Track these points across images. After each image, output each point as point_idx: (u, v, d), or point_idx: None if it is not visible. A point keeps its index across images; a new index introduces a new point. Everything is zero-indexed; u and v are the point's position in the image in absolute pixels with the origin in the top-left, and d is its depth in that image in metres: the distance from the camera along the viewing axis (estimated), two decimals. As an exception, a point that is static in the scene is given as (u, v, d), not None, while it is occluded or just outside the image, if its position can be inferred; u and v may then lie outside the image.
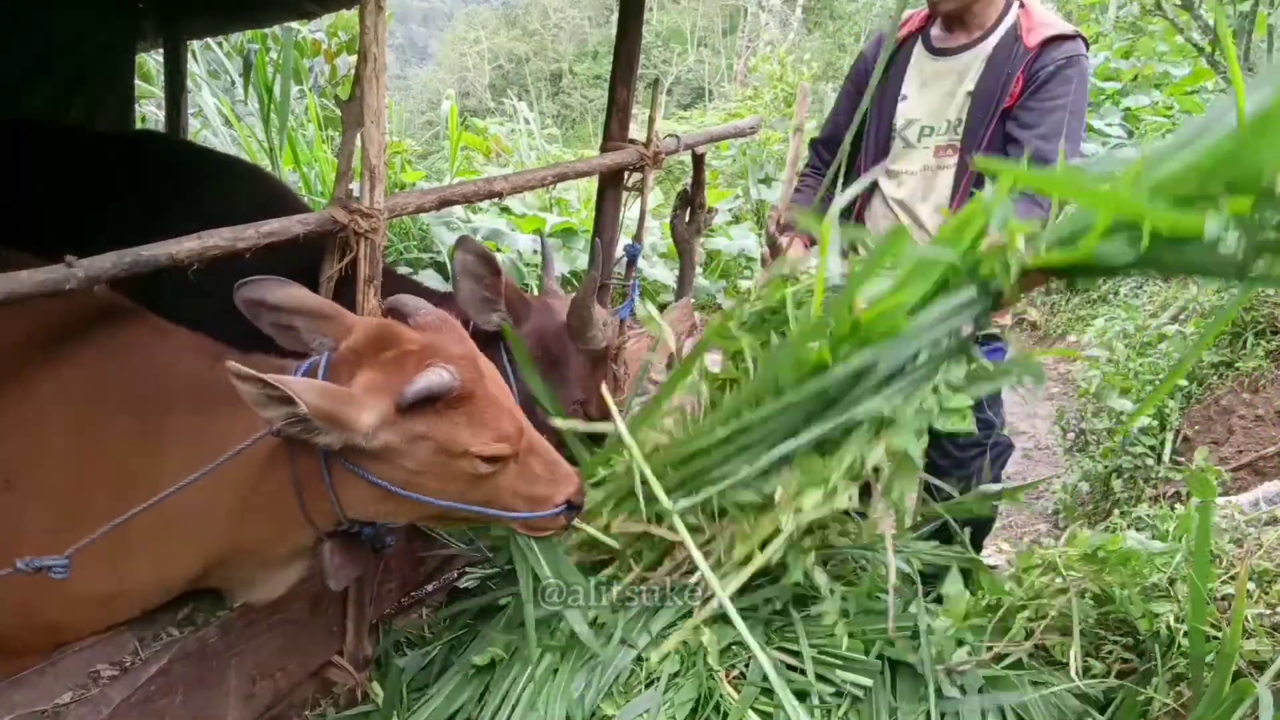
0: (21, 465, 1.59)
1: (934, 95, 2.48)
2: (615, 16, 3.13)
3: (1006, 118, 2.34)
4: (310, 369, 1.58)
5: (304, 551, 1.75)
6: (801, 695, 1.73)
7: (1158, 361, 4.12)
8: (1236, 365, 3.74)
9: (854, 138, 2.67)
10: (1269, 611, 1.73)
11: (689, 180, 3.75)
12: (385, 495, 1.58)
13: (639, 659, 1.83)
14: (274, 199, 2.85)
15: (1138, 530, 2.12)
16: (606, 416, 2.30)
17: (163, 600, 1.75)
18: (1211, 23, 6.40)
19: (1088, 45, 2.35)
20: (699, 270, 6.57)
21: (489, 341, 2.22)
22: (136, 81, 4.53)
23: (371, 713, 2.08)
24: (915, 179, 2.52)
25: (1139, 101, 8.87)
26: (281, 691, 2.02)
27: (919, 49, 2.52)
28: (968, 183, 2.40)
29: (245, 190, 2.84)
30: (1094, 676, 1.79)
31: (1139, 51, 9.64)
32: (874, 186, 2.61)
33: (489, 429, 1.58)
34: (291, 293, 1.61)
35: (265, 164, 6.64)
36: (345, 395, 1.46)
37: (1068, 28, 2.33)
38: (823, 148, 2.80)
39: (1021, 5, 2.38)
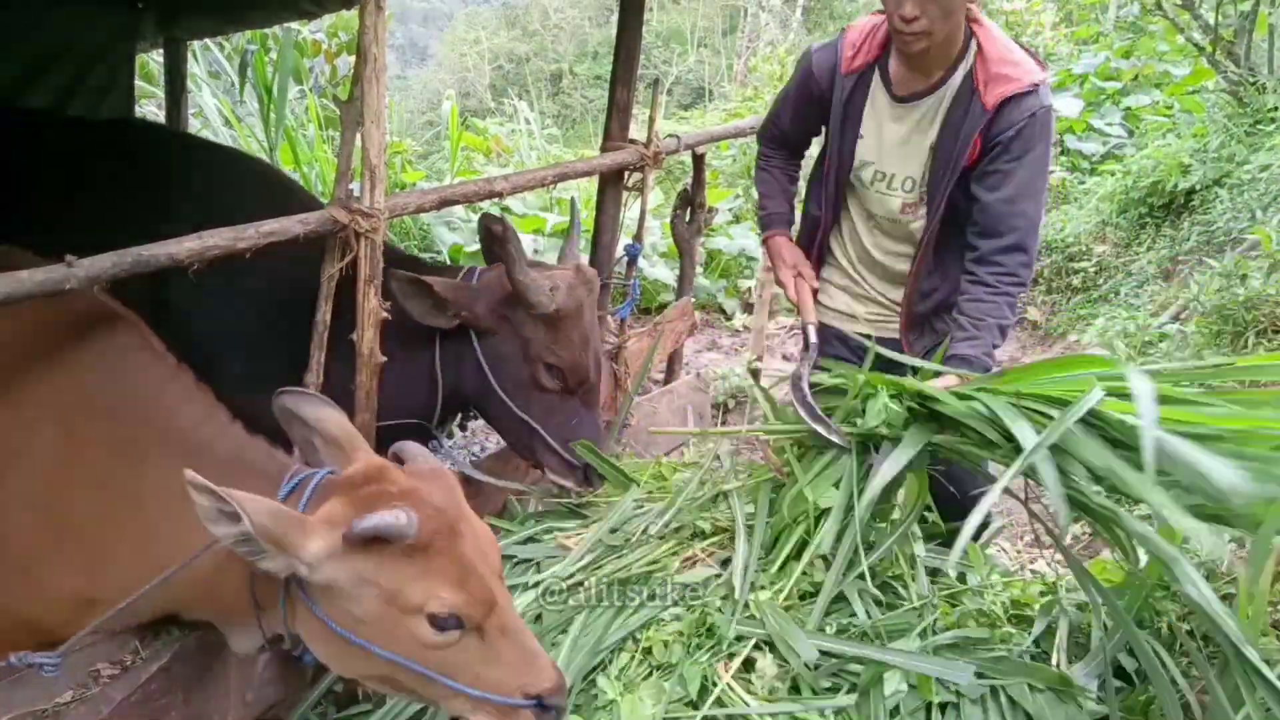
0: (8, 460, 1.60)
1: (892, 143, 2.39)
2: (615, 16, 3.13)
3: (966, 175, 2.29)
4: (301, 481, 1.56)
5: (255, 631, 1.67)
6: (798, 690, 1.75)
7: (1158, 360, 4.12)
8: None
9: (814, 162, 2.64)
10: (1269, 610, 1.73)
11: (689, 180, 3.75)
12: (328, 634, 1.48)
13: (647, 650, 1.84)
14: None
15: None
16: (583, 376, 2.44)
17: (137, 622, 1.70)
18: (1212, 23, 6.39)
19: (1047, 80, 2.24)
20: (699, 270, 6.56)
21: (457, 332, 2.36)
22: (137, 81, 4.53)
23: (371, 712, 2.07)
24: (885, 224, 2.49)
25: (1139, 101, 8.86)
26: (282, 691, 2.02)
27: (877, 86, 2.38)
28: (933, 240, 2.39)
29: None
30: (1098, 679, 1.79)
31: (1139, 51, 9.63)
32: (842, 219, 2.58)
33: (447, 589, 1.43)
34: (323, 414, 1.63)
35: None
36: (296, 520, 1.40)
37: (1025, 78, 2.19)
38: (771, 143, 2.70)
39: (978, 44, 2.25)
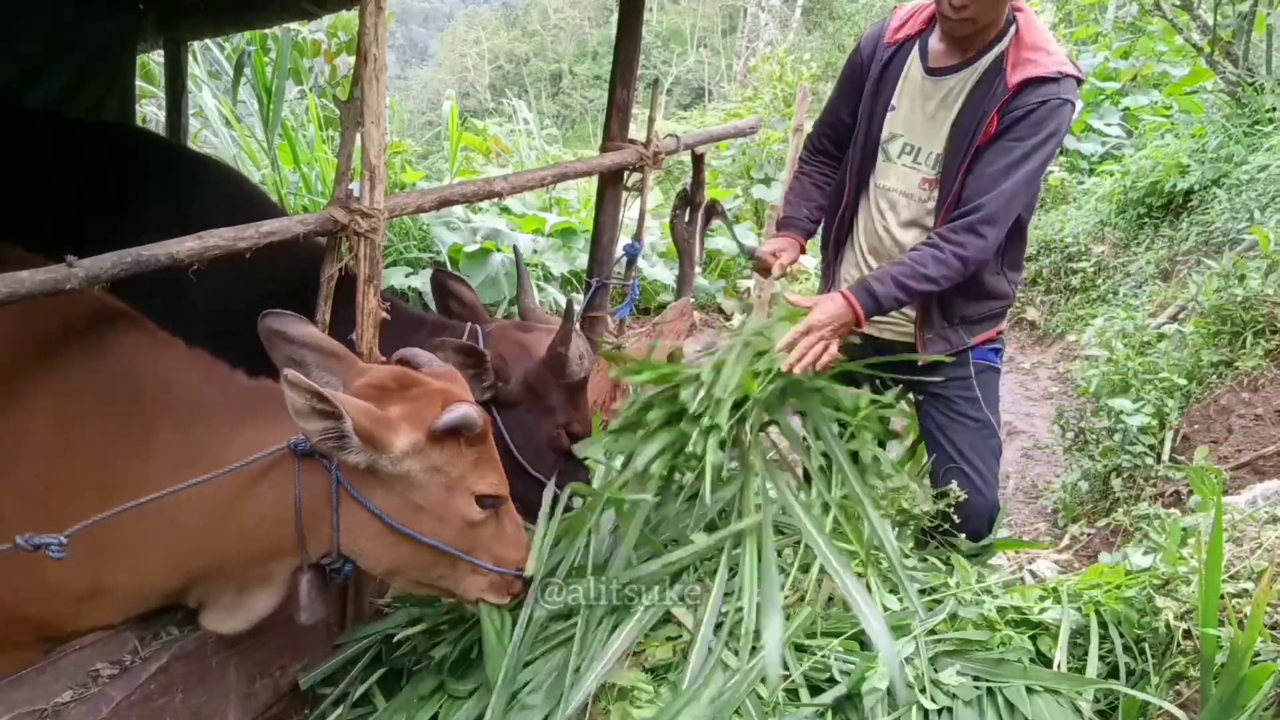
0: (2, 460, 1.60)
1: (920, 116, 2.40)
2: (615, 17, 3.13)
3: (978, 156, 2.27)
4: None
5: (280, 581, 1.73)
6: (793, 691, 1.75)
7: (1157, 361, 4.12)
8: (1235, 364, 3.73)
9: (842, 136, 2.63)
10: (1269, 609, 1.73)
11: (689, 180, 3.76)
12: (381, 530, 1.65)
13: (640, 651, 1.84)
14: None
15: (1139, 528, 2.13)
16: (589, 433, 2.41)
17: (143, 609, 1.72)
18: (1210, 23, 6.40)
19: (1080, 82, 2.24)
20: (699, 270, 6.56)
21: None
22: (137, 81, 4.53)
23: (371, 713, 2.08)
24: (898, 199, 2.47)
25: (1138, 101, 8.89)
26: (281, 690, 2.02)
27: (914, 58, 2.41)
28: (945, 218, 2.34)
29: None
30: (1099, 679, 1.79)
31: (1138, 51, 9.65)
32: (862, 194, 2.55)
33: (492, 473, 1.72)
34: (310, 330, 1.75)
35: (265, 163, 6.65)
36: (384, 418, 1.59)
37: (1052, 67, 2.20)
38: (810, 149, 2.73)
39: (1018, 29, 2.26)
